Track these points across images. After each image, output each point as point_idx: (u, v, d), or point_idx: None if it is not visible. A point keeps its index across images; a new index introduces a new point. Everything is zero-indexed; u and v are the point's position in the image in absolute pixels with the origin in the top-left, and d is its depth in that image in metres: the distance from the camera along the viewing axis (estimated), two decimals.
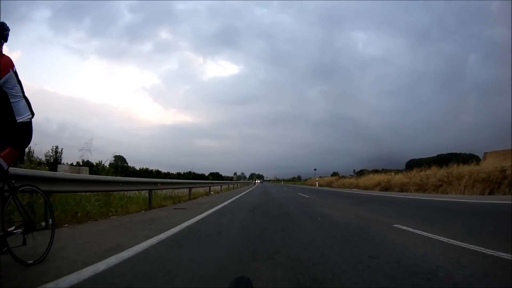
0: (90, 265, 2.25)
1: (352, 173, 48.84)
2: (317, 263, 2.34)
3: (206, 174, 63.82)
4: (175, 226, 4.21)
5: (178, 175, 48.53)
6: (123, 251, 2.74)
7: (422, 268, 2.20)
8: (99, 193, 5.82)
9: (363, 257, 2.53)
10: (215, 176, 63.77)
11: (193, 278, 2.02)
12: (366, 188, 23.33)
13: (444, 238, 3.17)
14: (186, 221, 4.80)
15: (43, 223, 3.24)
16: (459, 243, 2.91)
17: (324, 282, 1.92)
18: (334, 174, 58.71)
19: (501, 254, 2.45)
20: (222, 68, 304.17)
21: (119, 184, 6.09)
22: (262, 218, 5.43)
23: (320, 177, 48.96)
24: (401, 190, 17.30)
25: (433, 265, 2.25)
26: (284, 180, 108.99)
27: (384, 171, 31.61)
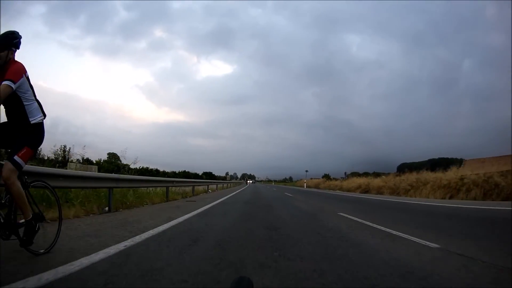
0: (161, 225, 4.39)
1: (344, 176, 50.87)
2: (281, 227, 4.57)
3: (200, 173, 65.46)
4: (195, 210, 6.39)
5: (174, 174, 50.24)
6: (173, 220, 4.89)
7: (345, 235, 4.46)
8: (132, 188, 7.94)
9: (309, 226, 4.77)
10: (208, 175, 65.44)
11: (215, 230, 4.24)
12: (348, 190, 25.85)
13: (367, 222, 5.29)
14: (200, 208, 6.98)
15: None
16: (374, 225, 5.04)
17: (283, 233, 4.15)
18: (325, 176, 61.24)
19: (402, 234, 3.79)
20: (216, 68, 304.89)
21: (148, 182, 8.22)
22: (253, 207, 7.70)
23: (311, 178, 51.76)
24: (378, 193, 19.50)
25: (351, 234, 4.51)
26: (275, 181, 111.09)
27: (374, 174, 33.26)
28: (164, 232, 3.76)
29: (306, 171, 61.96)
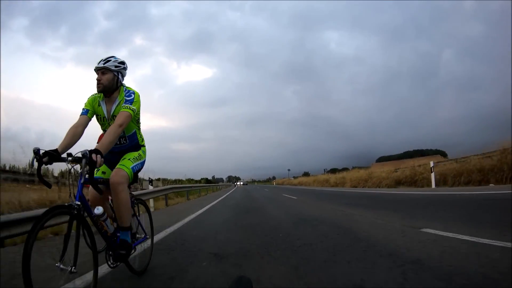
0: (200, 209, 10.32)
1: (323, 172, 58.26)
2: (257, 197, 10.64)
3: (183, 179, 70.21)
4: (213, 202, 12.27)
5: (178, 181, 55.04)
6: (205, 207, 10.80)
7: (283, 200, 10.66)
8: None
9: (269, 197, 10.90)
10: (205, 181, 70.34)
11: (228, 205, 10.29)
12: (309, 184, 32.47)
13: (289, 195, 11.60)
14: (216, 199, 12.88)
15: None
16: (287, 195, 11.31)
17: (255, 196, 10.23)
18: (305, 174, 68.93)
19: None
20: (196, 72, 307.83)
21: (179, 188, 14.04)
22: (243, 193, 13.76)
23: (294, 177, 59.61)
24: (336, 185, 26.11)
25: (282, 198, 10.72)
26: (258, 181, 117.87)
27: (342, 169, 40.31)
28: (206, 210, 9.75)
29: (288, 170, 69.55)
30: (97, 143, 2.43)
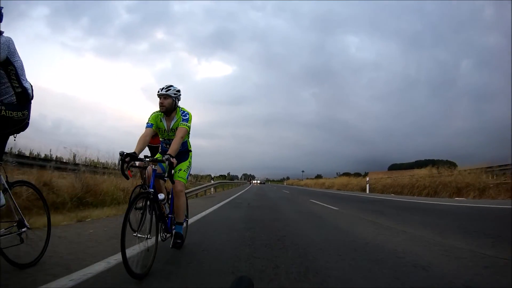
0: (214, 206, 18.56)
1: (335, 175, 63.91)
2: (267, 191, 18.77)
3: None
4: (235, 195, 20.49)
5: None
6: (216, 205, 19.02)
7: (283, 194, 18.81)
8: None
9: (276, 192, 19.04)
10: (223, 178, 76.97)
11: (245, 197, 18.55)
12: (311, 186, 40.27)
13: (286, 191, 19.61)
14: (235, 195, 21.11)
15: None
16: (287, 191, 19.32)
17: (267, 191, 18.37)
18: (318, 176, 75.78)
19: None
20: (215, 69, 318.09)
21: (212, 184, 22.41)
22: (257, 191, 21.93)
23: (301, 179, 67.07)
24: (327, 188, 33.89)
25: (283, 193, 18.85)
26: (272, 180, 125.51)
27: (355, 174, 45.56)
28: (231, 200, 18.05)
29: (303, 171, 76.71)
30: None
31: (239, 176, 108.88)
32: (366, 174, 34.51)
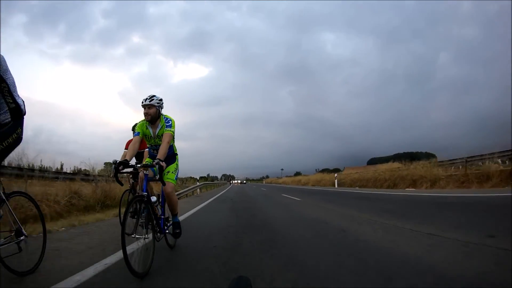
0: (210, 199, 20.23)
1: (315, 172, 65.92)
2: (247, 190, 20.59)
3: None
4: (223, 191, 22.15)
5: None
6: (206, 201, 20.68)
7: (261, 191, 20.70)
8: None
9: (255, 190, 20.89)
10: (204, 179, 78.10)
11: (227, 195, 20.30)
12: (288, 183, 42.67)
13: (263, 188, 21.55)
14: (219, 193, 22.78)
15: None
16: (263, 188, 21.28)
17: (246, 191, 20.18)
18: (297, 173, 78.36)
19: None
20: (192, 71, 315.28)
21: (198, 185, 23.92)
22: (239, 190, 23.72)
23: (279, 177, 69.45)
24: (303, 184, 36.31)
25: (261, 190, 20.75)
26: (252, 180, 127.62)
27: (334, 170, 49.13)
28: (217, 197, 19.75)
29: (282, 169, 78.70)
30: (125, 148, 4.62)
31: (219, 177, 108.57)
32: (343, 170, 37.44)
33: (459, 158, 13.38)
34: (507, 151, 11.47)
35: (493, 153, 11.73)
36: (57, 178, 8.22)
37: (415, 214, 4.95)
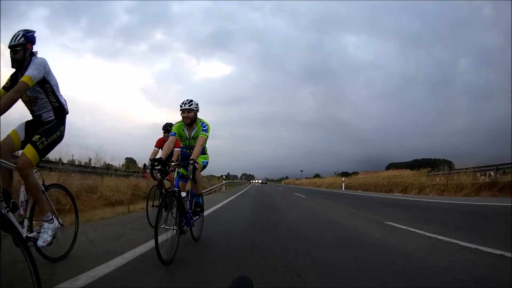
0: (239, 192, 23.84)
1: (334, 174, 64.86)
2: (268, 190, 24.07)
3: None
4: (244, 189, 25.76)
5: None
6: (235, 195, 24.27)
7: (280, 191, 24.13)
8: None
9: (273, 189, 24.34)
10: (226, 178, 79.86)
11: (252, 195, 23.88)
12: (304, 185, 45.64)
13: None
14: (245, 188, 26.40)
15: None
16: (281, 188, 24.59)
17: (267, 190, 23.68)
18: (316, 175, 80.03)
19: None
20: (214, 69, 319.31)
21: (225, 183, 27.67)
22: (258, 188, 27.27)
23: (297, 179, 72.40)
24: (318, 186, 39.20)
25: (280, 190, 24.18)
26: (272, 180, 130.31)
27: (353, 173, 52.64)
28: (238, 196, 23.36)
29: (301, 171, 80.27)
30: (155, 146, 4.82)
31: (239, 176, 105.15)
32: (352, 174, 39.90)
33: (442, 171, 16.05)
34: (484, 166, 13.95)
35: (468, 168, 14.25)
36: (86, 172, 9.32)
37: (370, 208, 8.16)
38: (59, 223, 2.41)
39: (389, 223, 4.87)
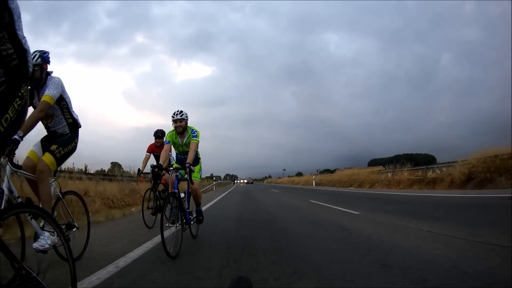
0: (224, 192, 27.20)
1: (316, 172, 67.42)
2: (252, 189, 27.60)
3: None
4: (231, 188, 29.10)
5: None
6: (227, 191, 27.62)
7: (259, 188, 27.72)
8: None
9: (254, 187, 27.90)
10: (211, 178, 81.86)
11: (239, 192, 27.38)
12: (285, 183, 49.66)
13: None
14: (231, 188, 29.75)
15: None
16: (275, 190, 28.19)
17: (251, 189, 27.24)
18: (298, 174, 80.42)
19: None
20: (195, 70, 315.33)
21: (216, 183, 30.93)
22: (243, 187, 30.76)
23: (285, 177, 76.27)
24: (296, 184, 43.13)
25: (259, 187, 27.79)
26: (255, 179, 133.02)
27: (329, 171, 56.93)
28: (228, 192, 26.76)
29: (284, 169, 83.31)
30: (147, 151, 5.17)
31: (222, 177, 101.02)
32: (336, 170, 44.31)
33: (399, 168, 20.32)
34: (416, 168, 18.11)
35: (404, 168, 18.47)
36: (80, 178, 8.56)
37: (313, 196, 11.86)
38: (75, 226, 2.61)
39: (312, 201, 8.65)
